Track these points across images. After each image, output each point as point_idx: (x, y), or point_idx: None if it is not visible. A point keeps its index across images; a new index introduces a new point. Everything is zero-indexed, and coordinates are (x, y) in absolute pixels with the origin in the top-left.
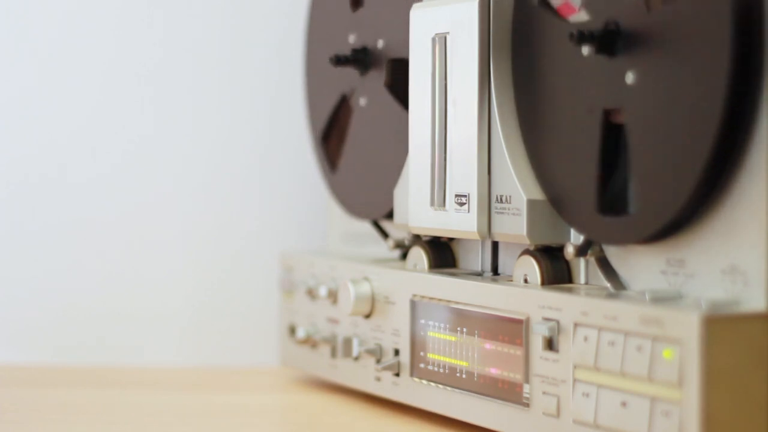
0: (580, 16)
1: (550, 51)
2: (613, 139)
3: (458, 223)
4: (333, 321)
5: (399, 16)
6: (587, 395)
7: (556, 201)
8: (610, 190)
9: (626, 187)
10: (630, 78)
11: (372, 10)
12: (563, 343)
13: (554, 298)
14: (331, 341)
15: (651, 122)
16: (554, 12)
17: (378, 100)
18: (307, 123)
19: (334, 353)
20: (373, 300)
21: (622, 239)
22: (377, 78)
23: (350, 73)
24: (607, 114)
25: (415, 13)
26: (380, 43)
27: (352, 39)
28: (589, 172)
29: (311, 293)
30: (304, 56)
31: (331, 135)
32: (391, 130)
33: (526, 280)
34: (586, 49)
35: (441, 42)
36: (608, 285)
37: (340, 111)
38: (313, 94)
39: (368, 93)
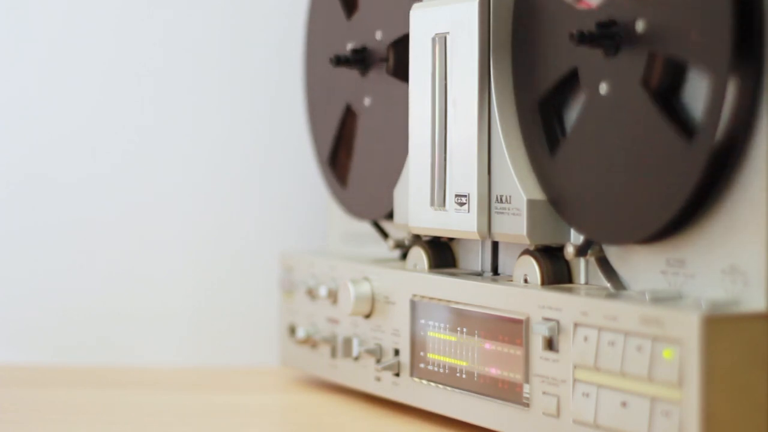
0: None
1: (550, 50)
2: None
3: (458, 223)
4: (333, 321)
5: (395, 9)
6: (587, 395)
7: (556, 201)
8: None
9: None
10: (624, 79)
11: (367, 14)
12: (563, 343)
13: (554, 298)
14: (331, 341)
15: (651, 121)
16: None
17: (381, 99)
18: (311, 142)
19: (334, 353)
20: (373, 300)
21: (622, 239)
22: (379, 76)
23: (351, 78)
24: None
25: (415, 13)
26: (378, 35)
27: (350, 46)
28: (591, 171)
29: (311, 293)
30: (304, 60)
31: (339, 152)
32: (394, 129)
33: (526, 280)
34: (603, 88)
35: (441, 42)
36: (608, 285)
37: (345, 124)
38: (315, 108)
39: (371, 93)
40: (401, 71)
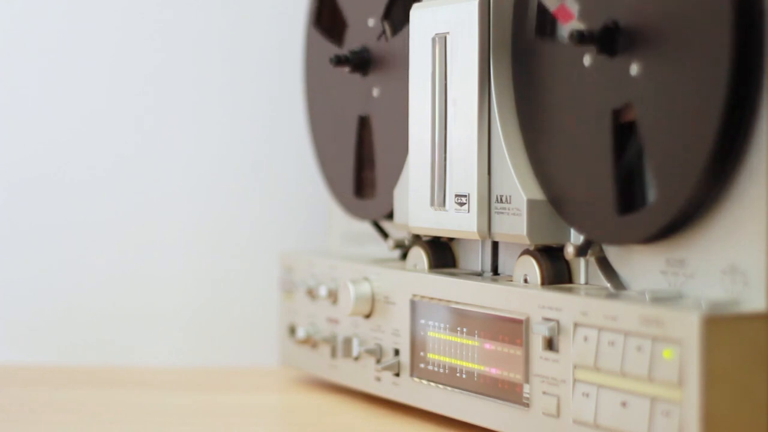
0: (576, 25)
1: (549, 59)
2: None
3: (458, 223)
4: (333, 321)
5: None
6: (587, 395)
7: (556, 201)
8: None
9: (630, 185)
10: (634, 70)
11: (356, 23)
12: (563, 343)
13: (554, 298)
14: (331, 341)
15: (654, 119)
16: (552, 23)
17: (384, 97)
18: (313, 152)
19: (334, 353)
20: (373, 300)
21: (623, 239)
22: (379, 75)
23: (352, 80)
24: (616, 114)
25: (415, 13)
26: (371, 22)
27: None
28: (593, 172)
29: (311, 293)
30: (304, 60)
31: (361, 173)
32: (394, 129)
33: (526, 280)
34: (587, 59)
35: (441, 42)
36: (608, 285)
37: (362, 140)
38: (316, 114)
39: (375, 90)
40: (400, 38)
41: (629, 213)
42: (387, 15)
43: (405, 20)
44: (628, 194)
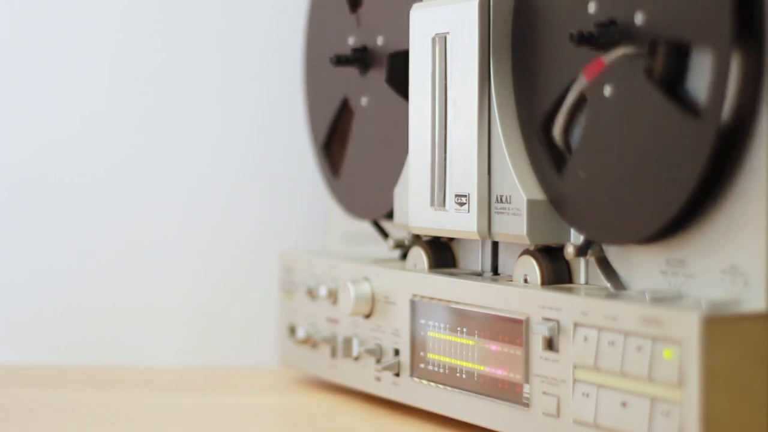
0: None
1: (550, 50)
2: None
3: (458, 223)
4: (333, 321)
5: (398, 14)
6: (587, 395)
7: (556, 201)
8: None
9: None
10: (626, 77)
11: (371, 10)
12: (563, 343)
13: (554, 298)
14: (331, 341)
15: (650, 121)
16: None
17: (379, 99)
18: (308, 130)
19: (334, 353)
20: (373, 300)
21: (622, 239)
22: (378, 77)
23: (350, 75)
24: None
25: (415, 13)
26: (380, 40)
27: (351, 41)
28: (591, 172)
29: (311, 293)
30: (304, 59)
31: (333, 142)
32: (393, 129)
33: (526, 280)
34: (607, 90)
35: (441, 42)
36: (608, 285)
37: (341, 116)
38: (314, 99)
39: (369, 92)
40: (398, 82)
41: (629, 213)
42: (394, 55)
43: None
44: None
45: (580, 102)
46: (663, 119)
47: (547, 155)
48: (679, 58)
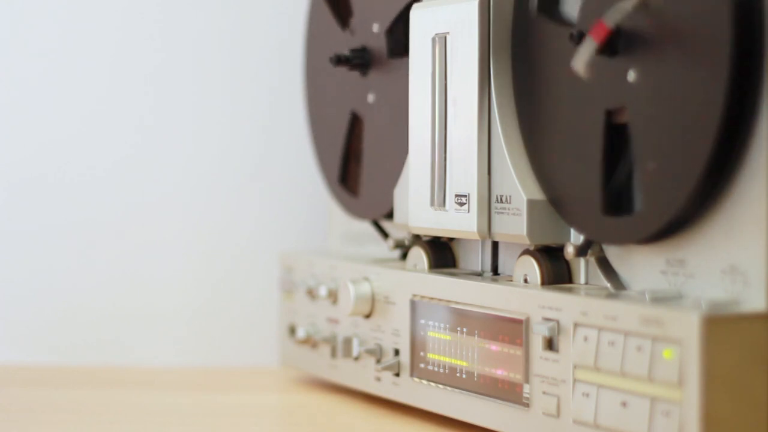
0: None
1: (549, 51)
2: (614, 140)
3: (458, 223)
4: (333, 321)
5: (389, 6)
6: (587, 395)
7: (556, 201)
8: (610, 191)
9: (626, 187)
10: (631, 77)
11: (362, 13)
12: (563, 343)
13: (554, 298)
14: (331, 341)
15: (651, 122)
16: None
17: (385, 95)
18: (318, 167)
19: (334, 353)
20: (373, 300)
21: (622, 239)
22: (380, 74)
23: (352, 82)
24: (609, 114)
25: (415, 13)
26: (375, 27)
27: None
28: (590, 172)
29: (311, 293)
30: (304, 82)
31: (348, 166)
32: (399, 126)
33: (526, 280)
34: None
35: (441, 42)
36: (608, 285)
37: (351, 138)
38: (320, 140)
39: (374, 90)
40: (399, 50)
41: (622, 214)
42: (391, 29)
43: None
44: (622, 195)
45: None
46: (664, 115)
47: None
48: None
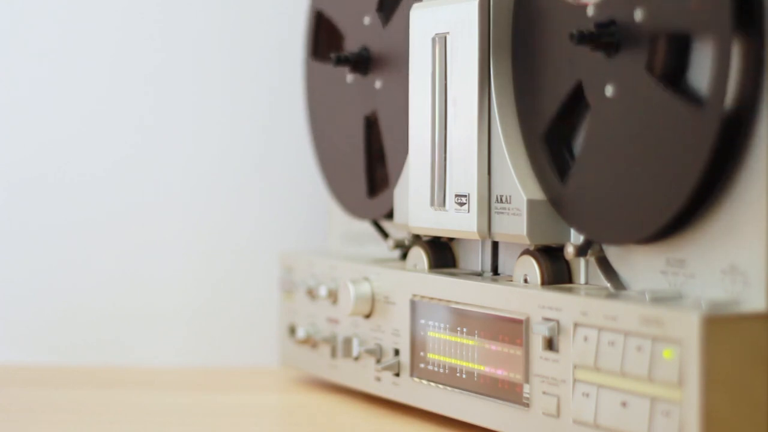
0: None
1: (550, 50)
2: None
3: (458, 223)
4: (333, 321)
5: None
6: (587, 395)
7: (556, 201)
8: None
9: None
10: (630, 76)
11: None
12: (563, 343)
13: (554, 298)
14: (331, 341)
15: (651, 120)
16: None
17: (390, 88)
18: (318, 167)
19: (334, 353)
20: (373, 300)
21: (622, 239)
22: (379, 73)
23: (354, 87)
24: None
25: (415, 13)
26: (366, 20)
27: (350, 79)
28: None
29: (311, 293)
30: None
31: (375, 173)
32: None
33: (526, 280)
34: (609, 90)
35: (441, 42)
36: (608, 285)
37: (370, 143)
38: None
39: (379, 83)
40: (397, 34)
41: (629, 213)
42: (381, 6)
43: (398, 6)
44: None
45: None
46: (664, 114)
47: (550, 160)
48: (680, 51)
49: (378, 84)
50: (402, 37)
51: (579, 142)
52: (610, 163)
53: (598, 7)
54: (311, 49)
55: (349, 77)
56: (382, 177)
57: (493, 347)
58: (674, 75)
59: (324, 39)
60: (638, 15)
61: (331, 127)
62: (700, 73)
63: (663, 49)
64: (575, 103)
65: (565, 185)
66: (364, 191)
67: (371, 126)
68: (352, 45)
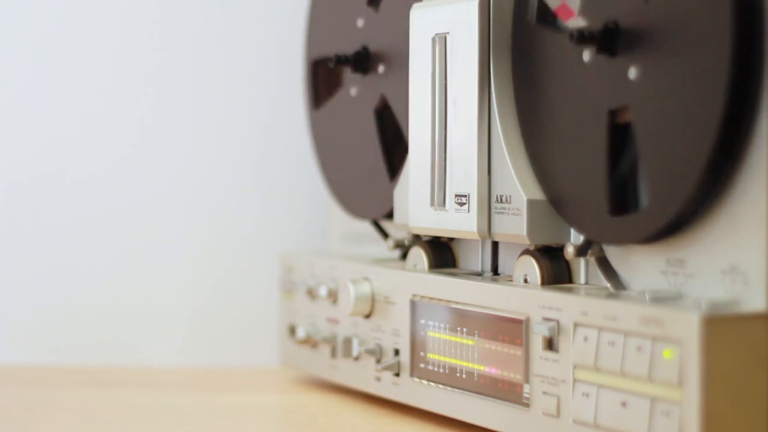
0: (577, 22)
1: (549, 51)
2: (616, 140)
3: (458, 223)
4: (333, 321)
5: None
6: (587, 395)
7: (556, 201)
8: (615, 190)
9: (629, 185)
10: (632, 74)
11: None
12: (563, 343)
13: (554, 298)
14: (331, 341)
15: (652, 122)
16: (553, 14)
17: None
18: (318, 168)
19: (334, 353)
20: (373, 300)
21: (622, 239)
22: (379, 73)
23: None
24: (612, 114)
25: (415, 13)
26: (360, 23)
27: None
28: (590, 172)
29: (311, 293)
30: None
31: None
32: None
33: (526, 280)
34: (587, 55)
35: (441, 42)
36: (608, 285)
37: (383, 133)
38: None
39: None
40: (396, 32)
41: (625, 213)
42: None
43: None
44: (626, 194)
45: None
46: (665, 113)
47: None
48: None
49: (381, 68)
50: (398, 26)
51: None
52: (610, 163)
53: (597, 7)
54: (312, 101)
55: (353, 90)
56: (400, 162)
57: (493, 347)
58: (674, 76)
59: (323, 86)
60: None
61: (334, 126)
62: (701, 74)
63: (663, 53)
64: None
65: (565, 186)
66: (387, 179)
67: (382, 118)
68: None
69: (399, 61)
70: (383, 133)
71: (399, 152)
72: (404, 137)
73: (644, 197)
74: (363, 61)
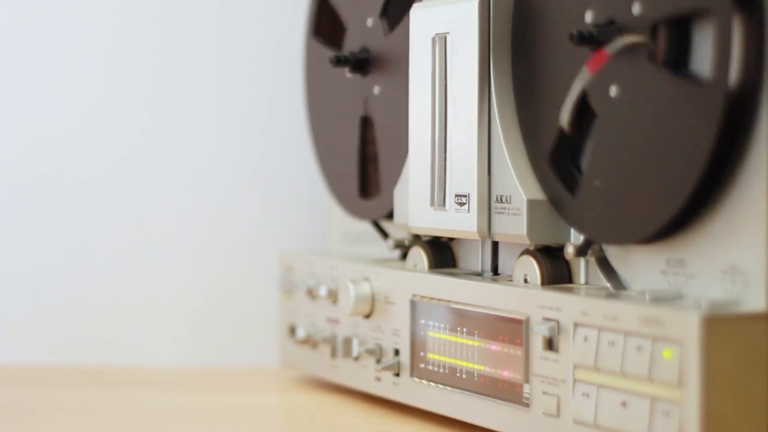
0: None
1: (550, 50)
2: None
3: (458, 223)
4: (333, 321)
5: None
6: (587, 395)
7: (556, 201)
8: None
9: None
10: (614, 91)
11: (354, 20)
12: (563, 343)
13: (554, 298)
14: (331, 341)
15: (652, 122)
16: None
17: (388, 90)
18: (318, 168)
19: (334, 353)
20: (373, 300)
21: (622, 239)
22: (379, 74)
23: (353, 87)
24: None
25: (415, 13)
26: (369, 22)
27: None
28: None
29: (311, 293)
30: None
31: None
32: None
33: (526, 280)
34: (613, 90)
35: (441, 42)
36: (608, 285)
37: (365, 141)
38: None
39: (378, 84)
40: (399, 36)
41: (629, 213)
42: (385, 12)
43: (403, 15)
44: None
45: (584, 97)
46: (669, 102)
47: (558, 180)
48: (680, 36)
49: (376, 89)
50: (404, 47)
51: (580, 143)
52: (612, 162)
53: (596, 8)
54: (313, 28)
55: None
56: (374, 180)
57: (493, 347)
58: (675, 66)
59: (325, 22)
60: (636, 8)
61: (331, 127)
62: (703, 55)
63: (664, 39)
64: (579, 110)
65: (565, 186)
66: (356, 192)
67: (366, 128)
68: (352, 42)
69: (394, 83)
70: (364, 145)
71: (374, 172)
72: (378, 161)
73: (645, 197)
74: (362, 64)
